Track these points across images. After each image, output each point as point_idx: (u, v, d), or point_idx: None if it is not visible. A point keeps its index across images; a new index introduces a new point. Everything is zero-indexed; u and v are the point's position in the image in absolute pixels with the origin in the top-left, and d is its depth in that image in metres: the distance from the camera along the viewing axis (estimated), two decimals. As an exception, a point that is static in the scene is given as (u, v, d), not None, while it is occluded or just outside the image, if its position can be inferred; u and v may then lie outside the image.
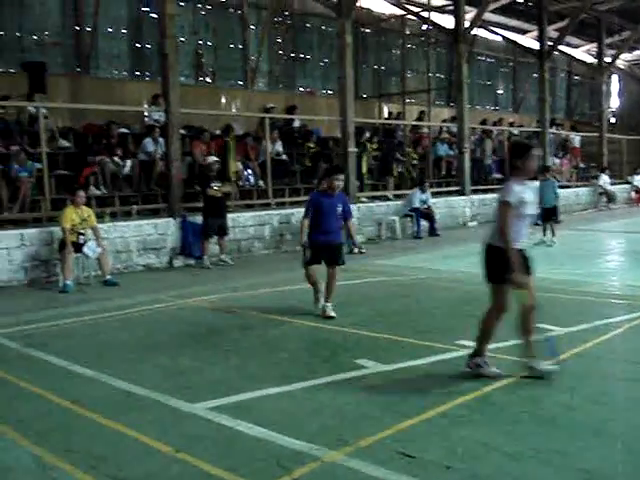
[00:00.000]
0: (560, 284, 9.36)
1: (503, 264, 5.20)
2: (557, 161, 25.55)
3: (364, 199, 17.23)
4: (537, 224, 14.90)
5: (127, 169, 14.16)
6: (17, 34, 15.59)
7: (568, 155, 26.89)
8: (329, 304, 7.91)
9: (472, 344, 6.24)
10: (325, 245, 7.88)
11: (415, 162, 19.89)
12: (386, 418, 4.62)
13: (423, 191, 16.61)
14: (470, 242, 14.97)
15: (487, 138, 22.48)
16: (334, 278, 7.98)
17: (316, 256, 7.93)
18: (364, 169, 17.94)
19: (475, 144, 22.12)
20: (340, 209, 7.98)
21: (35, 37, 15.87)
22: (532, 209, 5.43)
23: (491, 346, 5.66)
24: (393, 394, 5.15)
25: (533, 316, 5.46)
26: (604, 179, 25.11)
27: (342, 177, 8.10)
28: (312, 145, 18.06)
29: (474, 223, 19.22)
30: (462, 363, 5.76)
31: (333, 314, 7.81)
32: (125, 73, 17.61)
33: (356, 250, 12.53)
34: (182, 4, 17.49)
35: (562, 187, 22.61)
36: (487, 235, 5.54)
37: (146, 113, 16.14)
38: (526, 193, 5.31)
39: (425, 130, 21.56)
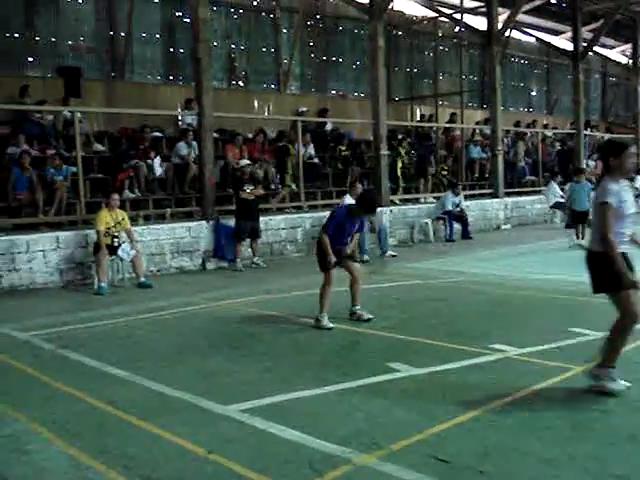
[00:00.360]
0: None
1: (609, 271, 4.86)
2: (592, 163, 25.20)
3: (397, 201, 17.18)
4: (569, 226, 14.76)
5: (160, 172, 14.28)
6: (52, 40, 15.82)
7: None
8: (358, 307, 7.89)
9: (506, 348, 6.21)
10: (337, 252, 7.71)
11: (445, 171, 19.73)
12: (419, 422, 4.59)
13: (456, 194, 16.50)
14: (503, 245, 14.91)
15: (520, 140, 22.27)
16: (360, 280, 7.90)
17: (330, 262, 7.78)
18: (398, 172, 17.91)
19: (508, 146, 21.94)
20: (356, 228, 7.95)
21: (70, 43, 16.08)
22: (632, 208, 5.03)
23: (531, 349, 5.58)
24: (426, 398, 5.12)
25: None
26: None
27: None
28: (344, 148, 18.05)
29: (507, 226, 19.06)
30: (496, 367, 5.71)
31: (369, 316, 7.79)
32: (159, 77, 17.77)
33: (366, 257, 12.65)
34: (215, 9, 17.59)
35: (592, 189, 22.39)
36: (588, 242, 5.16)
37: (179, 117, 16.28)
38: (624, 192, 4.97)
39: (457, 132, 21.44)
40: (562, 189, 18.04)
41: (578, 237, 14.01)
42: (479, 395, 5.09)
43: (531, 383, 5.29)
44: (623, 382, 5.05)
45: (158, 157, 14.28)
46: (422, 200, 18.22)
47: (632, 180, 24.02)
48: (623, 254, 4.94)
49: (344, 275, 7.90)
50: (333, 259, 7.60)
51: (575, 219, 13.97)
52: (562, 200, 18.33)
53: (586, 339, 6.54)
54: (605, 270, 4.90)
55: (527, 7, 22.07)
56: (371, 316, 7.80)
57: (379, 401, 5.03)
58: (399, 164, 17.92)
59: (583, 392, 5.09)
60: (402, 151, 18.42)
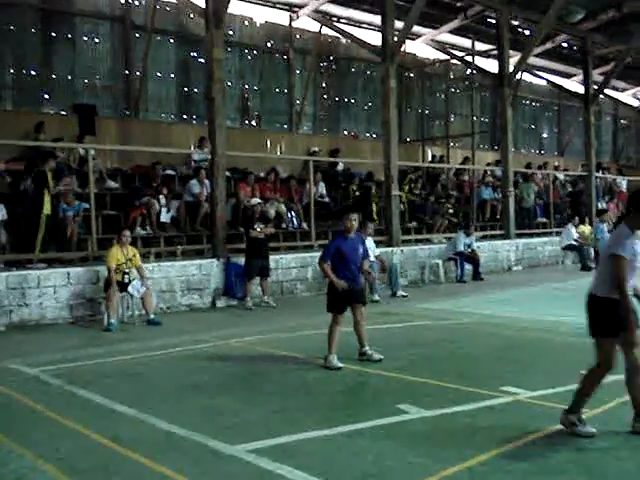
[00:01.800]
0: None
1: (610, 317, 4.94)
2: (604, 205, 25.20)
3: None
4: (588, 268, 14.57)
5: (167, 218, 14.22)
6: (69, 77, 16.05)
7: (615, 199, 26.51)
8: (368, 347, 7.81)
9: (517, 390, 6.15)
10: (346, 290, 7.55)
11: (450, 211, 19.71)
12: (429, 465, 4.52)
13: (468, 235, 16.47)
14: (514, 286, 14.84)
15: (531, 182, 22.28)
16: (362, 321, 7.79)
17: (340, 303, 7.63)
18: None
19: (520, 188, 21.95)
20: (361, 250, 7.81)
21: (86, 81, 16.31)
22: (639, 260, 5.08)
23: (542, 392, 5.53)
24: (436, 440, 5.05)
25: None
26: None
27: (356, 216, 7.80)
28: (355, 188, 18.12)
29: (519, 267, 18.99)
30: (507, 410, 5.66)
31: (380, 356, 7.71)
32: (173, 116, 17.96)
33: (376, 297, 12.56)
34: (229, 49, 17.83)
35: (609, 231, 22.29)
36: (591, 285, 5.18)
37: (192, 155, 16.40)
38: (637, 244, 5.02)
39: (466, 178, 21.54)
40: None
41: None
42: (490, 438, 5.02)
43: (543, 426, 5.22)
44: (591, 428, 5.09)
45: (165, 204, 14.21)
46: (435, 240, 18.19)
47: None
48: None
49: (350, 315, 7.83)
50: (342, 284, 7.46)
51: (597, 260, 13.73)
52: (575, 243, 18.31)
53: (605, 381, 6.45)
54: (606, 315, 4.96)
55: (538, 50, 22.34)
56: (381, 357, 7.73)
57: (388, 443, 4.97)
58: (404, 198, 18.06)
59: (595, 436, 5.01)
60: (411, 189, 18.49)
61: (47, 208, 11.76)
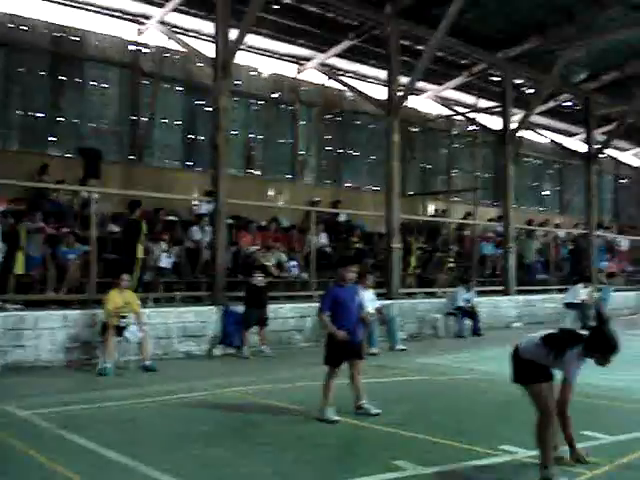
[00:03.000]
0: (609, 390, 9.06)
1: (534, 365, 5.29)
2: (604, 264, 25.20)
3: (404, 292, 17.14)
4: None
5: (166, 264, 14.18)
6: (75, 120, 16.21)
7: (615, 258, 26.53)
8: (365, 401, 7.68)
9: (515, 449, 6.06)
10: (345, 343, 7.44)
11: (451, 265, 19.69)
12: (424, 524, 4.42)
13: (468, 289, 16.43)
14: (513, 343, 14.69)
15: (532, 238, 22.32)
16: (359, 375, 7.65)
17: (338, 356, 7.52)
18: (412, 265, 18.13)
19: (521, 244, 21.97)
20: (357, 300, 7.71)
21: (93, 125, 16.46)
22: None
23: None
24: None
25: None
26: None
27: (355, 268, 7.74)
28: (356, 239, 18.14)
29: (518, 324, 18.87)
30: (505, 469, 5.56)
31: (377, 410, 7.56)
32: (177, 163, 18.08)
33: (375, 350, 12.44)
34: (235, 98, 18.04)
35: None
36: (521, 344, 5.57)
37: (195, 203, 16.45)
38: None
39: (467, 232, 21.61)
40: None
41: None
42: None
43: (541, 488, 5.12)
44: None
45: (165, 249, 14.19)
46: (439, 293, 18.17)
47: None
48: None
49: (345, 367, 7.73)
50: (342, 335, 7.34)
51: None
52: (578, 302, 18.19)
53: (599, 443, 6.36)
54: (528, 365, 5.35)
55: (541, 109, 22.62)
56: (379, 411, 7.58)
57: (383, 500, 4.87)
58: (412, 259, 18.07)
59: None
60: (415, 245, 18.56)
61: (140, 252, 12.56)
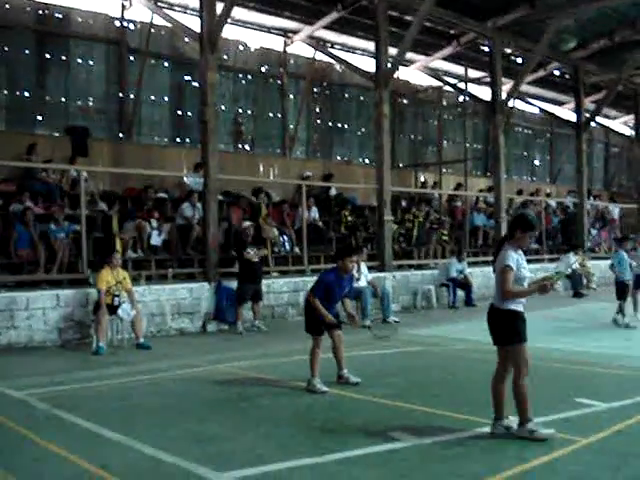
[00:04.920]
0: (599, 357, 9.12)
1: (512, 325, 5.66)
2: (595, 233, 25.28)
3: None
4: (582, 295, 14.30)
5: (158, 241, 14.14)
6: (62, 99, 16.03)
7: (607, 227, 26.59)
8: (346, 371, 7.84)
9: (510, 418, 6.06)
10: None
11: (445, 238, 19.65)
12: (421, 494, 4.44)
13: (460, 260, 16.45)
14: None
15: (526, 208, 22.31)
16: (340, 345, 7.84)
17: (319, 325, 7.75)
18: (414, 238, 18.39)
19: (514, 214, 21.97)
20: (347, 289, 7.94)
21: (80, 103, 16.29)
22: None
23: (536, 420, 5.47)
24: (429, 470, 4.97)
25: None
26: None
27: (356, 258, 7.92)
28: (347, 214, 18.10)
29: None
30: (500, 438, 5.58)
31: (357, 379, 7.76)
32: (166, 139, 17.94)
33: (368, 323, 12.44)
34: (223, 73, 17.87)
35: (601, 259, 22.33)
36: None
37: (185, 179, 16.37)
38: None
39: (459, 204, 21.58)
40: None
41: (621, 313, 12.48)
42: (484, 467, 4.94)
43: (537, 455, 5.15)
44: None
45: (156, 226, 14.12)
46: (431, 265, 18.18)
47: (635, 250, 23.83)
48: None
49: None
50: (332, 319, 7.61)
51: (622, 291, 12.56)
52: (568, 272, 18.22)
53: (592, 410, 6.41)
54: (507, 326, 5.65)
55: (530, 78, 22.51)
56: (359, 380, 7.75)
57: (380, 472, 4.89)
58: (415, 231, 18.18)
59: (589, 466, 4.94)
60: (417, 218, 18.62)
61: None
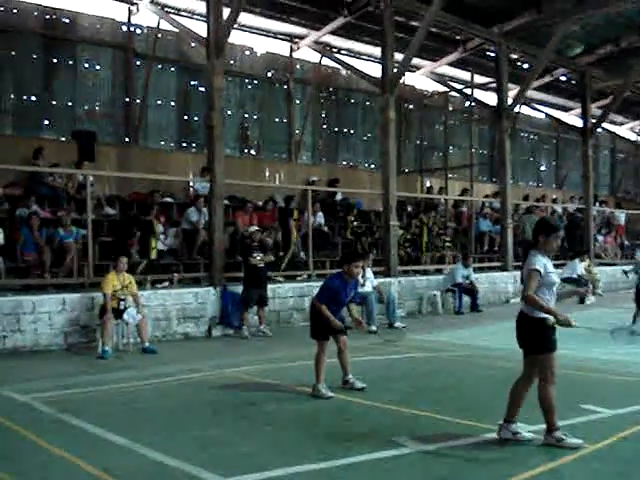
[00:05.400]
0: (606, 364, 9.08)
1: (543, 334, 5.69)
2: (601, 238, 25.21)
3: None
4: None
5: (169, 239, 14.20)
6: (69, 104, 16.08)
7: (612, 233, 26.52)
8: (351, 376, 7.82)
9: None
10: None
11: (448, 244, 19.62)
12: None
13: (466, 266, 16.42)
14: (512, 318, 14.67)
15: (532, 214, 22.26)
16: (345, 350, 7.82)
17: (324, 330, 7.71)
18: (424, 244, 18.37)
19: (521, 220, 21.92)
20: (352, 293, 7.92)
21: (86, 107, 16.34)
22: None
23: (542, 426, 5.46)
24: (433, 476, 4.95)
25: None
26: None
27: (361, 263, 7.91)
28: (353, 219, 18.10)
29: (517, 299, 18.87)
30: (506, 445, 5.56)
31: (362, 385, 7.73)
32: (172, 144, 17.97)
33: (374, 328, 12.42)
34: (230, 78, 17.90)
35: (607, 265, 22.29)
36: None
37: (191, 184, 16.38)
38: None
39: (465, 209, 21.56)
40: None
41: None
42: (490, 474, 4.93)
43: (543, 462, 5.13)
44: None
45: (162, 231, 14.13)
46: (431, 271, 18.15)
47: None
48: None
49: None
50: (339, 324, 7.57)
51: None
52: (575, 277, 18.18)
53: (599, 417, 6.38)
54: (537, 334, 5.71)
55: (537, 84, 22.50)
56: (364, 385, 7.73)
57: (385, 478, 4.87)
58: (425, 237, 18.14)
59: (594, 473, 4.92)
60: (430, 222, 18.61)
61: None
